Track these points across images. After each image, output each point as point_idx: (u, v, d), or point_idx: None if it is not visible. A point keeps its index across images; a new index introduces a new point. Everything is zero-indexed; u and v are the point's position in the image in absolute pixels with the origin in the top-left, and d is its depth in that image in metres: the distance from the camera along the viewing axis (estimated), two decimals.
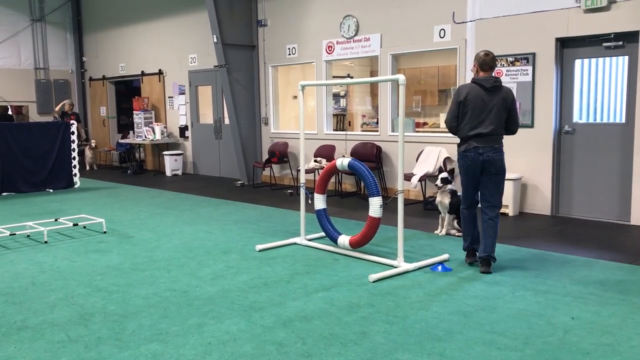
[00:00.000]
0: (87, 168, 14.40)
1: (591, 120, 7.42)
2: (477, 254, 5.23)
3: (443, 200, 6.48)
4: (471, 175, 5.16)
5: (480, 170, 5.09)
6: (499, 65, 7.81)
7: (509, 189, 7.52)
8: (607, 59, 7.18)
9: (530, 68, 7.55)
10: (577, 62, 7.35)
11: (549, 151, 7.52)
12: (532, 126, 7.62)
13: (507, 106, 5.06)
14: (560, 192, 7.60)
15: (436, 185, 6.54)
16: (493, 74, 5.14)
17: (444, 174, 6.54)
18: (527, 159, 7.69)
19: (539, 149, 7.59)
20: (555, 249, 5.88)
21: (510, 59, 7.73)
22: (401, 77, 5.09)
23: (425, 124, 11.31)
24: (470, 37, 8.16)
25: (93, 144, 14.90)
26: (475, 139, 5.06)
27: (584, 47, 7.23)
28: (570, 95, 7.43)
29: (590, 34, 7.02)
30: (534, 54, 7.51)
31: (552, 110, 7.45)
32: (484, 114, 5.03)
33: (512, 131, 5.21)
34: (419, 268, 5.20)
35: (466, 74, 8.24)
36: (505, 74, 7.78)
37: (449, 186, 6.45)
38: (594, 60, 7.28)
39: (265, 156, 11.20)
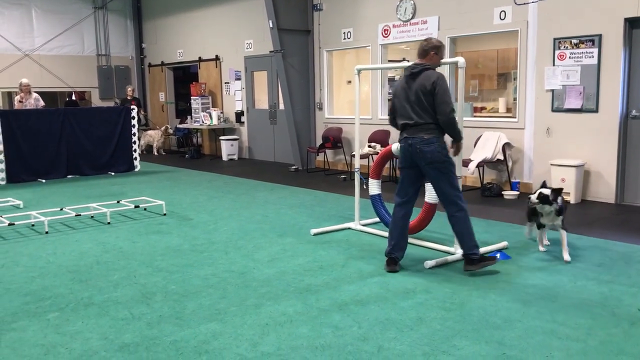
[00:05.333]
0: (155, 153, 14.66)
1: None
2: (398, 261, 4.78)
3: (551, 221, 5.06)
4: (404, 166, 4.79)
5: (412, 162, 4.68)
6: (562, 47, 7.55)
7: (571, 176, 7.30)
8: None
9: (595, 50, 7.25)
10: None
11: (614, 137, 7.22)
12: (596, 111, 7.33)
13: (428, 90, 4.48)
14: (625, 180, 7.30)
15: (532, 203, 5.00)
16: (424, 60, 4.66)
17: (545, 190, 4.95)
18: (590, 145, 7.42)
19: (603, 134, 7.30)
20: (619, 238, 5.67)
21: (574, 41, 7.44)
22: (461, 60, 4.97)
23: (483, 108, 11.05)
24: (533, 19, 7.89)
25: (170, 130, 15.01)
26: (405, 129, 4.71)
27: None
28: (638, 79, 7.10)
29: None
30: (600, 36, 7.20)
31: (618, 94, 7.14)
32: (406, 103, 4.65)
33: (438, 118, 4.53)
34: None
35: (527, 58, 7.99)
36: (569, 57, 7.50)
37: (554, 205, 4.93)
38: None
39: (319, 141, 11.22)
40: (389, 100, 10.98)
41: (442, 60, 4.83)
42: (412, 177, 4.79)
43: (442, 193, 4.67)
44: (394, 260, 4.76)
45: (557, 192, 4.95)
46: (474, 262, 4.63)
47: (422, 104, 4.55)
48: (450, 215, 4.67)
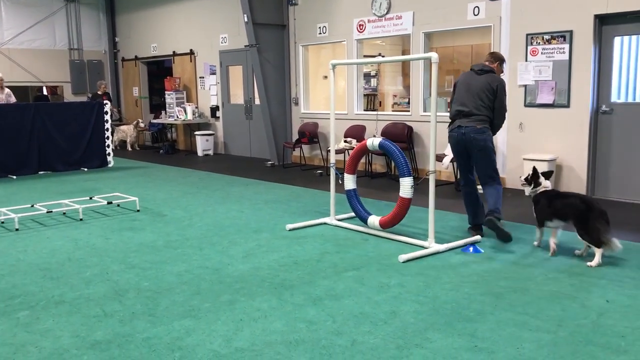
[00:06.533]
0: (129, 149, 14.47)
1: (630, 100, 7.21)
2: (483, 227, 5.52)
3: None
4: (458, 153, 5.50)
5: (465, 148, 5.37)
6: (534, 43, 7.64)
7: (543, 170, 7.38)
8: None
9: (567, 46, 7.35)
10: (617, 39, 7.12)
11: (585, 131, 7.34)
12: (568, 106, 7.44)
13: (492, 88, 5.26)
14: (596, 174, 7.43)
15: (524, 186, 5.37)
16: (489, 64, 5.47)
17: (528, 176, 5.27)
18: (562, 139, 7.53)
19: (574, 129, 7.41)
20: None
21: (546, 37, 7.53)
22: (434, 55, 5.01)
23: None
24: (505, 15, 7.97)
25: (141, 124, 14.76)
26: (459, 118, 5.35)
27: (625, 23, 7.00)
28: (608, 74, 7.22)
29: (632, 10, 6.79)
30: (571, 32, 7.30)
31: (589, 89, 7.26)
32: (467, 93, 5.32)
33: (495, 116, 5.36)
34: (450, 249, 5.17)
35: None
36: (541, 53, 7.60)
37: (543, 186, 5.17)
38: (634, 37, 7.05)
39: (295, 136, 11.20)
40: (363, 95, 11.00)
41: (416, 56, 4.96)
42: (465, 163, 5.52)
43: (484, 173, 5.38)
44: (478, 227, 5.54)
45: (544, 176, 5.24)
46: (495, 225, 5.16)
47: (483, 98, 5.28)
48: (487, 186, 5.37)
